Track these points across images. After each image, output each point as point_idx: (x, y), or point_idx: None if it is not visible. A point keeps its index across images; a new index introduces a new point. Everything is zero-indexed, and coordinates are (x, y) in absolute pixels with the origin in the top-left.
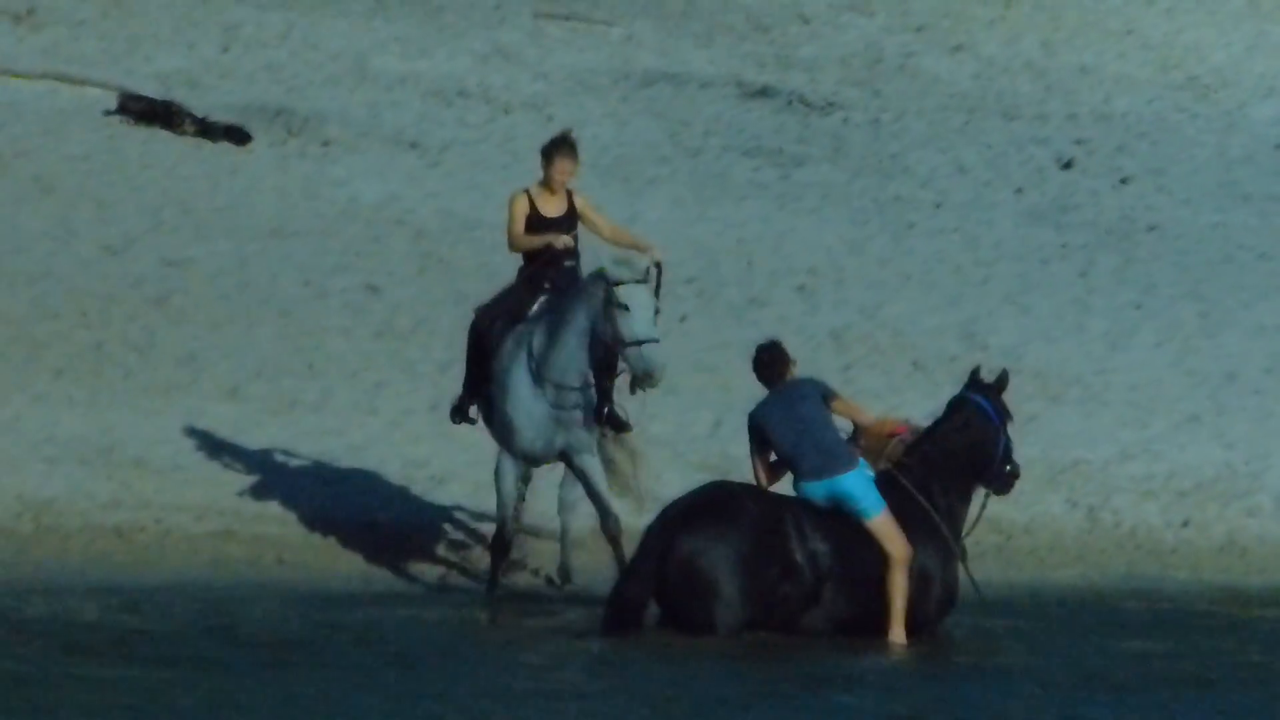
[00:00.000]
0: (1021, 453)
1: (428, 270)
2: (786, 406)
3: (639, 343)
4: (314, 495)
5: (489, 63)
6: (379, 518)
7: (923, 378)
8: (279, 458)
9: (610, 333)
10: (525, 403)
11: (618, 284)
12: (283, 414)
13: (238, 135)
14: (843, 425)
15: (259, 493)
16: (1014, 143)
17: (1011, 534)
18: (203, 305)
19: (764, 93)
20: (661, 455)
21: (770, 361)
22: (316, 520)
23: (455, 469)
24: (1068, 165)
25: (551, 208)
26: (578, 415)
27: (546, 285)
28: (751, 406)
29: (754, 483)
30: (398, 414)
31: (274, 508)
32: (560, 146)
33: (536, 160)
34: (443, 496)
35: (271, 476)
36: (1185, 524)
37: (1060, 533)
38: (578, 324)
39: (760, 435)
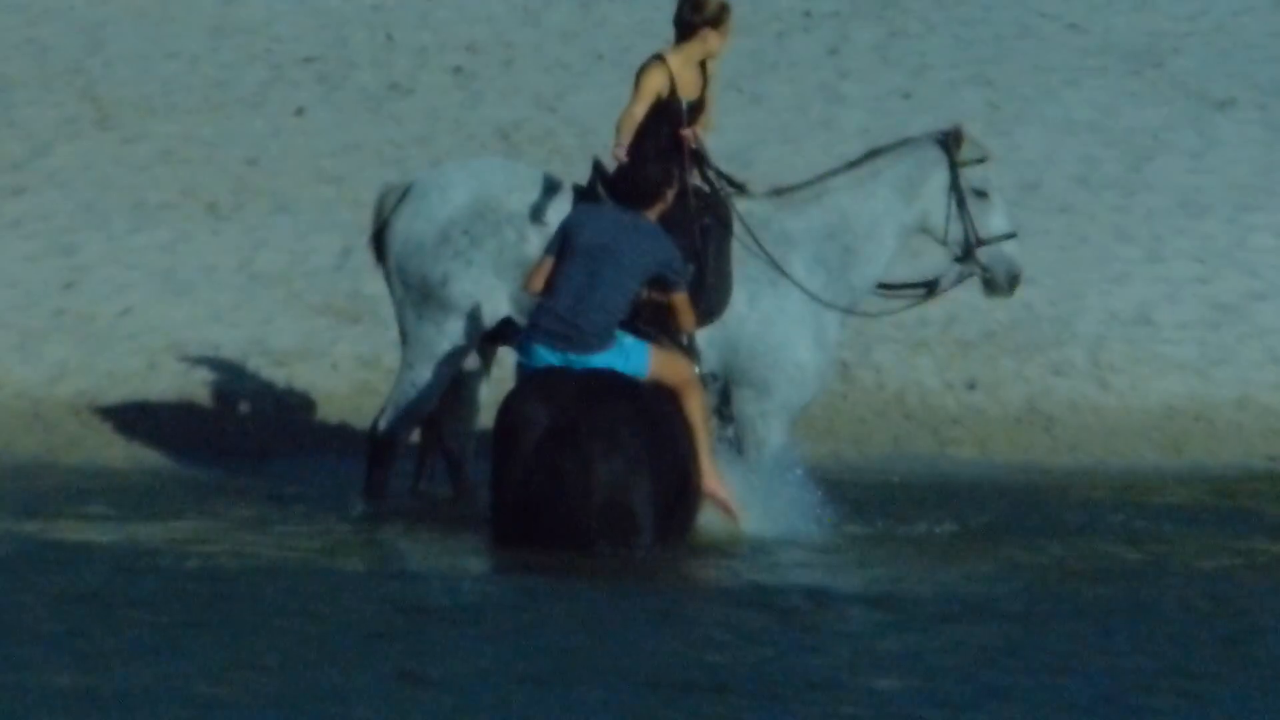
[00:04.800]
0: None
1: None
2: (615, 240)
3: (1005, 237)
4: None
5: None
6: None
7: None
8: None
9: (957, 230)
10: None
11: (975, 162)
12: None
13: None
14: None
15: None
16: None
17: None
18: None
19: None
20: (272, 296)
21: (643, 186)
22: None
23: None
24: None
25: (689, 88)
26: None
27: None
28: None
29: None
30: None
31: None
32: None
33: None
34: None
35: None
36: None
37: None
38: None
39: (566, 242)
